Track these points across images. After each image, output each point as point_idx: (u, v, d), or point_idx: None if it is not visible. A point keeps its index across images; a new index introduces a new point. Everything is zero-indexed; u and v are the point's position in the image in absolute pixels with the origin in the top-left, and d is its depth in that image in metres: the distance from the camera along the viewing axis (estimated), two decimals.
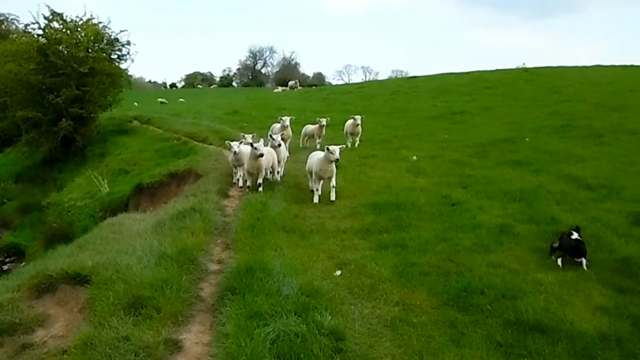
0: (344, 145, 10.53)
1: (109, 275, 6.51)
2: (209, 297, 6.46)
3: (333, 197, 10.30)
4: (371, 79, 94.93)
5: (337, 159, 10.06)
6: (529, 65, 47.01)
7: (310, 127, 16.83)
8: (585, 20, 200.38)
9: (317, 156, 10.74)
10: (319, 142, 16.28)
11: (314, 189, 10.52)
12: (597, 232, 8.29)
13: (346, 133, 16.66)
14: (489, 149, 15.01)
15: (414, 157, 14.08)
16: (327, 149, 10.12)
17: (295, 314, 5.61)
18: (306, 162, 11.25)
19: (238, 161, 11.70)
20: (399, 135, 18.15)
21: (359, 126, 16.14)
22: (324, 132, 16.29)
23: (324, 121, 16.17)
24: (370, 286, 6.63)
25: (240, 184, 11.84)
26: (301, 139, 17.05)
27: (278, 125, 15.31)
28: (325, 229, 8.81)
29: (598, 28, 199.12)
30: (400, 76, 79.08)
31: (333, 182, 10.38)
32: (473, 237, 8.14)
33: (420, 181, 11.70)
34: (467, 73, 44.15)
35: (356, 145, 16.14)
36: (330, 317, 5.59)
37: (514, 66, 47.70)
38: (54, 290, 6.93)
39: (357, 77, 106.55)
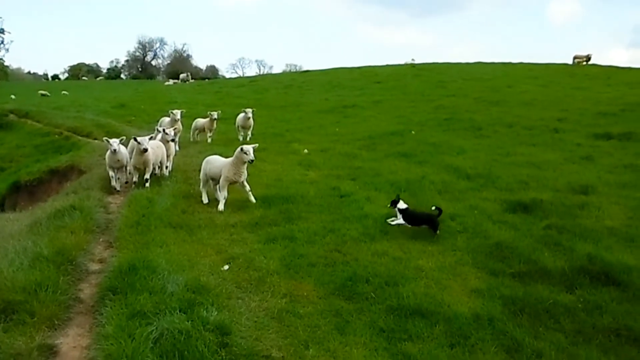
0: (257, 144, 9.98)
1: None
2: (88, 298, 6.15)
3: (253, 199, 9.61)
4: (265, 72, 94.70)
5: (252, 160, 9.20)
6: (417, 61, 49.02)
7: (201, 121, 16.54)
8: (469, 18, 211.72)
9: (218, 161, 9.86)
10: (210, 136, 16.02)
11: (220, 197, 9.53)
12: (474, 219, 8.78)
13: (237, 126, 16.50)
14: (377, 141, 15.47)
15: (305, 151, 14.23)
16: (241, 149, 9.27)
17: (180, 311, 5.48)
18: (200, 166, 10.36)
19: (119, 162, 10.51)
20: (291, 129, 18.26)
21: (251, 119, 16.06)
22: (215, 125, 16.08)
23: (215, 114, 16.00)
24: (258, 279, 6.61)
25: (118, 187, 10.71)
26: (192, 133, 16.69)
27: (167, 119, 14.92)
28: (213, 223, 8.69)
29: (481, 26, 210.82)
30: (294, 70, 79.54)
31: (247, 185, 9.64)
32: (360, 227, 8.35)
33: (310, 174, 11.84)
34: (359, 68, 45.25)
35: (248, 138, 16.01)
36: (216, 312, 5.51)
37: (402, 62, 49.52)
38: None
39: (252, 71, 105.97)
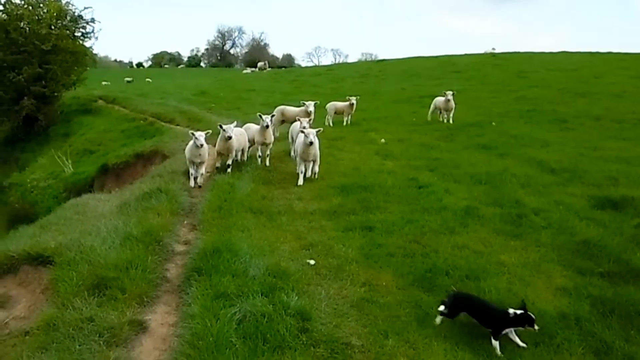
0: (320, 129, 10.39)
1: (73, 256, 6.42)
2: (175, 278, 6.41)
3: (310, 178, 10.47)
4: (341, 61, 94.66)
5: (312, 142, 9.96)
6: (497, 50, 47.60)
7: (339, 105, 17.36)
8: (553, 5, 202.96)
9: (299, 138, 10.55)
10: (346, 120, 17.14)
11: (299, 171, 10.43)
12: (559, 215, 8.46)
13: (437, 109, 17.45)
14: (456, 132, 15.15)
15: (383, 140, 14.13)
16: (302, 131, 10.23)
17: (261, 295, 5.63)
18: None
19: (200, 156, 10.07)
20: (367, 118, 18.18)
21: (452, 102, 16.69)
22: (353, 110, 17.05)
23: (353, 99, 16.89)
24: (337, 267, 6.66)
25: (200, 182, 10.24)
26: (328, 117, 17.17)
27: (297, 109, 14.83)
28: (292, 210, 8.81)
29: (565, 14, 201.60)
30: (370, 59, 79.00)
31: (315, 167, 10.61)
32: (439, 219, 8.23)
33: (388, 164, 11.76)
34: (437, 57, 44.44)
35: (451, 120, 16.78)
36: (296, 298, 5.62)
37: (482, 51, 48.24)
38: (15, 271, 6.80)
39: (327, 60, 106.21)
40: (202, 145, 9.92)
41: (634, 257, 6.86)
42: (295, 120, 12.38)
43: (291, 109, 14.45)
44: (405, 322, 5.52)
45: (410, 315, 5.66)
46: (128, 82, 47.84)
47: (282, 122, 14.37)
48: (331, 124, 16.69)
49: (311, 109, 14.02)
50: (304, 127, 10.58)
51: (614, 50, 42.35)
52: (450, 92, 16.63)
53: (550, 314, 5.67)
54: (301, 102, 14.52)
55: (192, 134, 10.10)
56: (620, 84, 24.20)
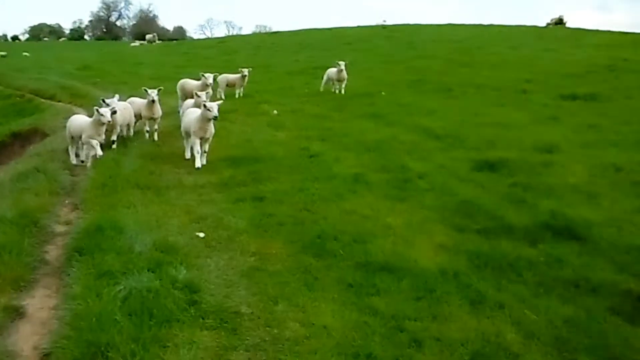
0: (221, 101, 9.97)
1: None
2: (55, 259, 6.11)
3: (203, 162, 9.50)
4: (234, 33, 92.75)
5: (216, 117, 9.20)
6: (388, 22, 48.67)
7: (230, 77, 16.98)
8: None
9: (194, 114, 9.73)
10: (239, 92, 16.89)
11: (194, 152, 9.47)
12: (442, 178, 8.90)
13: (329, 80, 17.57)
14: (347, 102, 15.44)
15: (275, 112, 14.13)
16: (204, 106, 9.31)
17: (148, 271, 5.47)
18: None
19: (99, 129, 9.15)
20: (260, 90, 18.07)
21: (344, 72, 16.78)
22: (245, 82, 16.82)
23: (245, 71, 16.52)
24: (227, 238, 6.62)
25: (75, 161, 9.74)
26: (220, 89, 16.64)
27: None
28: (182, 184, 8.63)
29: None
30: (264, 31, 78.11)
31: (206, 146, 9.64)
32: (329, 186, 8.39)
33: (280, 135, 11.80)
34: (330, 29, 44.76)
35: (342, 92, 16.92)
36: (185, 271, 5.52)
37: (373, 23, 49.10)
38: None
39: (220, 32, 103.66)
40: (109, 121, 9.23)
41: (507, 214, 7.37)
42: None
43: (192, 83, 14.06)
44: (294, 287, 5.59)
45: (300, 280, 5.74)
46: (2, 56, 44.31)
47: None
48: (223, 97, 16.41)
49: (210, 81, 13.75)
50: (205, 101, 9.76)
51: (496, 23, 44.64)
52: (343, 63, 16.83)
53: (431, 270, 5.96)
54: (200, 74, 14.12)
55: (97, 110, 9.26)
56: (500, 54, 25.67)
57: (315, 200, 7.86)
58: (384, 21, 49.64)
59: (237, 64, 22.70)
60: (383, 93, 16.51)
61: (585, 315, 5.24)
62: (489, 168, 9.35)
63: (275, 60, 27.78)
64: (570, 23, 42.43)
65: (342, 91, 16.91)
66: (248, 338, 4.71)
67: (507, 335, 4.89)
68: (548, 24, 41.84)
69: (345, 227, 6.93)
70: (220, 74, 17.08)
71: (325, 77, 17.73)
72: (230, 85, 16.88)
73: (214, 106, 9.24)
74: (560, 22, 41.89)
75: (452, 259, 6.26)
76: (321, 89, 17.65)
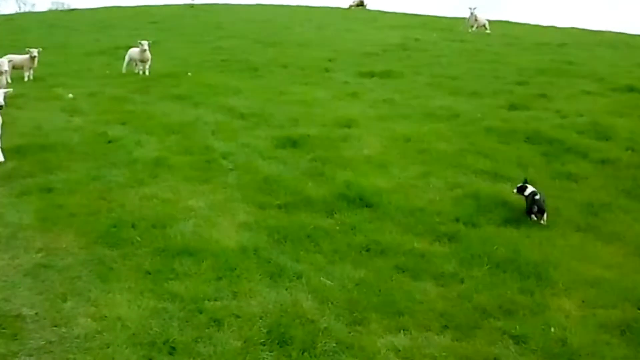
0: (10, 90, 8.98)
1: None
2: None
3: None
4: (26, 10, 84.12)
5: (1, 106, 8.43)
6: (196, 1, 47.53)
7: (17, 58, 15.12)
8: None
9: None
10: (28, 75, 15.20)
11: None
12: (246, 156, 8.97)
13: (132, 60, 16.46)
14: (152, 84, 14.79)
15: (70, 95, 13.07)
16: None
17: None
18: None
19: None
20: (54, 73, 16.54)
21: (147, 52, 15.81)
22: (35, 64, 15.32)
23: (34, 51, 15.05)
24: (9, 236, 6.02)
25: None
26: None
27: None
28: None
29: None
30: (61, 8, 71.81)
31: None
32: (128, 172, 8.01)
33: (75, 120, 10.95)
34: (134, 7, 42.49)
35: (147, 73, 15.95)
36: None
37: (181, 2, 47.63)
38: None
39: (10, 9, 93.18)
40: None
41: (306, 187, 7.67)
42: None
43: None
44: (86, 281, 5.27)
45: (93, 273, 5.42)
46: None
47: None
48: (9, 80, 14.80)
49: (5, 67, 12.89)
50: None
51: (303, 4, 45.88)
52: (146, 42, 16.02)
53: (232, 248, 6.01)
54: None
55: None
56: (305, 33, 26.45)
57: (112, 188, 7.47)
58: (192, 0, 48.48)
59: (28, 44, 20.57)
60: (189, 74, 16.08)
61: (374, 276, 5.66)
62: (291, 145, 9.61)
63: (73, 40, 25.60)
64: (370, 5, 45.15)
65: (147, 72, 16.16)
66: (31, 341, 4.37)
67: (304, 303, 5.11)
68: (350, 6, 43.96)
69: (145, 213, 6.69)
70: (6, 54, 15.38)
71: (127, 58, 16.78)
72: (17, 67, 15.24)
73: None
74: (361, 4, 44.24)
75: (253, 235, 6.36)
76: (123, 71, 16.70)
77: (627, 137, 10.46)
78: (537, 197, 7.02)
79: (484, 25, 27.15)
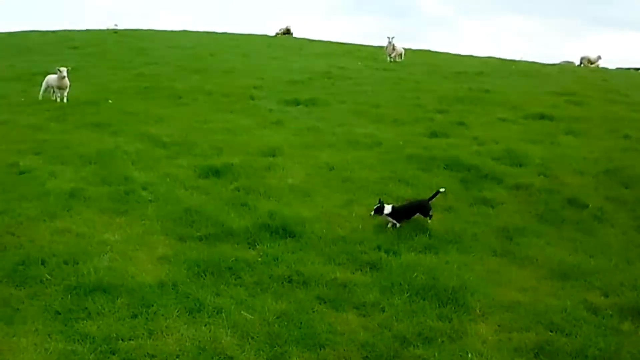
0: None
1: None
2: None
3: None
4: None
5: None
6: (120, 27, 46.58)
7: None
8: None
9: None
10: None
11: None
12: (167, 187, 8.76)
13: (50, 87, 15.85)
14: (69, 111, 14.27)
15: None
16: None
17: None
18: None
19: None
20: None
21: (66, 79, 15.27)
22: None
23: (64, 71, 14.99)
24: None
25: None
26: None
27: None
28: None
29: None
30: None
31: None
32: (39, 205, 7.63)
33: None
34: (54, 32, 41.14)
35: (65, 100, 15.37)
36: None
37: (104, 27, 46.59)
38: None
39: None
40: None
41: (229, 218, 7.56)
42: None
43: None
44: None
45: None
46: None
47: None
48: None
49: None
50: None
51: (229, 31, 45.87)
52: (65, 69, 15.49)
53: (149, 284, 5.81)
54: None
55: None
56: (231, 61, 26.36)
57: (22, 222, 7.10)
58: (116, 25, 47.48)
59: None
60: (110, 101, 15.64)
61: (295, 308, 5.63)
62: (214, 174, 9.47)
63: None
64: (297, 33, 45.72)
65: (65, 99, 15.59)
66: None
67: (223, 339, 5.00)
68: (277, 34, 44.37)
69: (56, 248, 6.40)
70: None
71: (44, 85, 16.14)
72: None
73: None
74: (287, 32, 44.73)
75: (172, 269, 6.19)
76: (40, 98, 16.02)
77: (539, 163, 10.97)
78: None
79: (401, 55, 27.94)
